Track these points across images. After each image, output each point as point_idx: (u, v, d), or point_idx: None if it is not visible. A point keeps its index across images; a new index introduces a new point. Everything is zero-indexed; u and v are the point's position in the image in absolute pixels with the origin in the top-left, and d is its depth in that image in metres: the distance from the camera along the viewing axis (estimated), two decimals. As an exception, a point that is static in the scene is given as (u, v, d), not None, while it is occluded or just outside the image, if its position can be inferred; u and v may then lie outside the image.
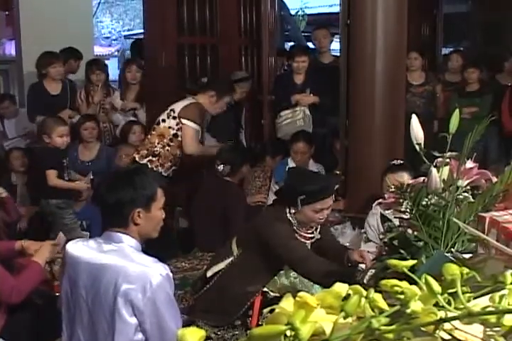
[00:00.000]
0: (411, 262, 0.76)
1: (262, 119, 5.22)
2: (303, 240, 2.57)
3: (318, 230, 2.65)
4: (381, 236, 1.70)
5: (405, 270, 0.76)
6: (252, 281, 2.59)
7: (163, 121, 3.66)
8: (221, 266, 2.71)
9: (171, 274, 1.82)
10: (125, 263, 1.79)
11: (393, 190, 1.50)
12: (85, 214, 4.12)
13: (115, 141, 4.80)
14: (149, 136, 3.71)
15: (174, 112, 3.65)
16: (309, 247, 2.60)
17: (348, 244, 3.70)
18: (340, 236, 4.11)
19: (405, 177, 3.03)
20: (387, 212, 1.66)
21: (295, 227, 2.56)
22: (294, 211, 2.51)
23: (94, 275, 1.82)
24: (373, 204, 3.09)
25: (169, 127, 3.69)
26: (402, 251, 1.46)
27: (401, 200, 1.50)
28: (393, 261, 0.77)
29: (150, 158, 3.77)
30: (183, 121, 3.60)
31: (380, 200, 1.59)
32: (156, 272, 1.77)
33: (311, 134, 4.73)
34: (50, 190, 3.90)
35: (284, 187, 2.58)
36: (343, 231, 4.13)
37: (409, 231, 1.52)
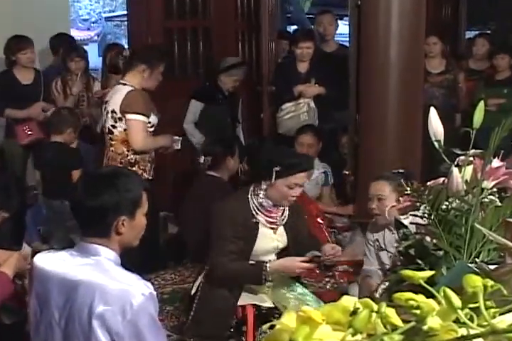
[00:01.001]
0: (428, 273, 0.77)
1: (261, 113, 5.23)
2: (265, 226, 2.75)
3: (285, 219, 2.80)
4: (395, 245, 1.70)
5: (422, 282, 0.76)
6: (229, 288, 2.73)
7: (114, 127, 3.66)
8: (199, 279, 2.83)
9: (154, 293, 1.79)
10: (103, 279, 1.77)
11: (408, 192, 1.50)
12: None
13: (96, 139, 4.79)
14: (112, 148, 3.69)
15: (116, 113, 3.64)
16: (273, 235, 2.77)
17: (355, 251, 3.73)
18: (349, 244, 4.12)
19: (384, 186, 3.09)
20: (402, 217, 1.67)
21: (256, 209, 2.73)
22: (265, 186, 2.70)
23: (67, 293, 1.79)
24: (386, 209, 3.10)
25: (125, 129, 3.71)
26: (419, 262, 1.46)
27: (418, 204, 1.51)
28: (408, 272, 0.77)
29: (129, 168, 3.78)
30: (128, 116, 3.57)
31: (394, 204, 1.59)
32: (138, 291, 1.74)
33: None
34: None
35: (261, 159, 2.79)
36: (352, 238, 4.15)
37: (428, 239, 1.52)
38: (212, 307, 2.74)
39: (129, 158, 3.65)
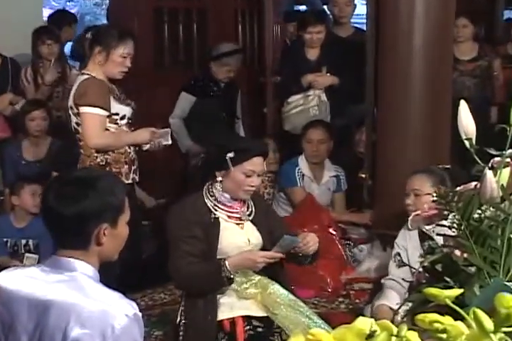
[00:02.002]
0: (455, 291, 0.77)
1: (264, 107, 5.23)
2: (228, 221, 2.85)
3: (252, 214, 2.89)
4: (420, 260, 1.71)
5: (448, 302, 0.76)
6: (204, 302, 2.80)
7: (78, 124, 3.66)
8: (183, 301, 2.92)
9: (139, 314, 1.78)
10: (79, 299, 1.75)
11: (435, 198, 1.51)
12: (32, 231, 4.13)
13: (71, 136, 4.79)
14: (81, 150, 3.68)
15: (73, 108, 3.64)
16: (239, 230, 2.86)
17: (374, 266, 3.73)
18: (366, 258, 4.12)
19: (423, 181, 3.13)
20: (427, 227, 1.67)
21: (213, 206, 2.84)
22: (221, 178, 2.82)
23: (37, 315, 1.77)
24: (409, 218, 3.12)
25: None
26: (447, 279, 1.47)
27: (446, 212, 1.51)
28: (432, 290, 0.77)
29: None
30: (81, 109, 3.57)
31: (419, 212, 1.60)
32: (120, 312, 1.73)
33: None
34: None
35: (212, 148, 2.91)
36: (370, 252, 4.15)
37: (457, 252, 1.53)
38: (196, 329, 2.80)
39: (98, 160, 3.61)
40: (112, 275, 3.10)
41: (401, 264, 2.84)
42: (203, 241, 2.80)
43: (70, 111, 3.66)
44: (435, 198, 1.53)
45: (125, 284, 3.41)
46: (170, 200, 4.50)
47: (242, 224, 2.90)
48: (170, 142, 3.80)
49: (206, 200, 2.86)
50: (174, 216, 2.87)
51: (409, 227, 3.13)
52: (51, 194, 1.86)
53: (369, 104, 4.20)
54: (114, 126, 3.64)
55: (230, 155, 2.76)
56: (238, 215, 2.88)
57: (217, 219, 2.85)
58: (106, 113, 3.57)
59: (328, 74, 4.90)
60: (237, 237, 2.87)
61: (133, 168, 3.71)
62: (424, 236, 1.73)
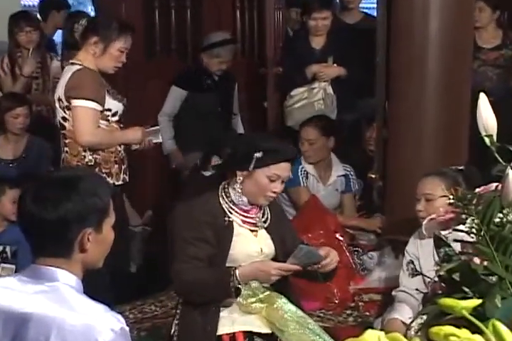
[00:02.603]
0: (473, 302, 0.76)
1: (265, 101, 5.23)
2: (242, 226, 2.83)
3: (267, 221, 2.88)
4: (435, 268, 1.71)
5: (465, 313, 0.76)
6: (203, 311, 2.78)
7: (65, 119, 3.65)
8: (178, 312, 2.90)
9: (127, 328, 1.77)
10: (61, 312, 1.76)
11: (452, 201, 1.51)
12: (9, 237, 4.12)
13: (53, 132, 4.77)
14: (67, 148, 3.68)
15: (62, 101, 3.63)
16: (253, 237, 2.84)
17: (385, 276, 3.72)
18: (377, 266, 4.12)
19: (435, 184, 3.14)
20: (443, 232, 1.67)
21: (228, 208, 2.82)
22: (241, 178, 2.79)
23: (15, 329, 1.77)
24: (423, 222, 3.13)
25: None
26: (465, 290, 1.47)
27: (463, 216, 1.51)
28: (448, 301, 0.77)
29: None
30: (73, 102, 3.56)
31: (434, 216, 1.61)
32: (106, 326, 1.72)
33: (334, 122, 4.76)
34: None
35: (237, 144, 2.87)
36: (381, 260, 4.14)
37: (476, 260, 1.53)
38: None
39: (86, 159, 3.61)
40: (100, 285, 3.11)
41: (414, 273, 2.83)
42: (213, 246, 2.78)
43: (57, 104, 3.65)
44: (452, 200, 1.53)
45: (112, 295, 3.43)
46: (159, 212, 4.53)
47: (256, 231, 2.88)
48: (160, 140, 3.85)
49: (221, 200, 2.84)
50: (183, 214, 2.84)
51: (424, 233, 3.13)
52: (29, 197, 1.85)
53: (380, 97, 4.18)
54: (105, 122, 3.64)
55: (258, 154, 2.73)
56: (254, 221, 2.87)
57: (231, 222, 2.83)
58: (100, 108, 3.58)
59: (335, 64, 4.90)
60: (250, 245, 2.85)
61: (123, 167, 3.72)
62: (439, 243, 1.72)
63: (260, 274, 2.74)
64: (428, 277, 2.69)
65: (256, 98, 5.34)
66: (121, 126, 3.73)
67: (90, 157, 3.63)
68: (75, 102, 3.56)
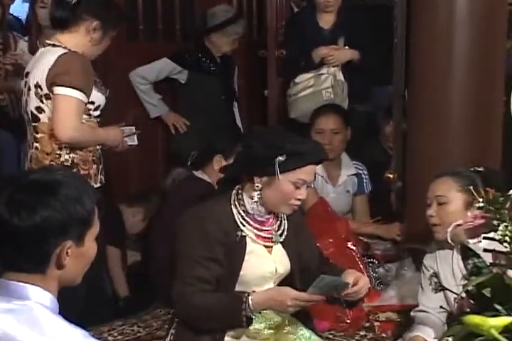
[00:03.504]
0: (503, 321, 0.76)
1: (265, 89, 5.23)
2: (256, 242, 2.82)
3: (283, 234, 2.86)
4: (462, 282, 1.70)
5: (495, 333, 0.75)
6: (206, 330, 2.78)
7: (40, 110, 3.62)
8: (171, 330, 2.91)
9: None
10: (31, 336, 1.75)
11: (481, 204, 1.51)
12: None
13: (20, 124, 4.76)
14: (37, 144, 3.66)
15: (41, 88, 3.60)
16: (267, 254, 2.83)
17: (404, 291, 3.71)
18: (395, 280, 4.12)
19: (449, 185, 3.15)
20: (471, 241, 1.67)
21: (241, 219, 2.80)
22: (260, 186, 2.75)
23: None
24: (448, 229, 3.12)
25: None
26: (497, 307, 1.48)
27: (495, 222, 1.51)
28: (475, 319, 0.76)
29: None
30: (57, 90, 3.54)
31: (460, 222, 1.60)
32: None
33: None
34: None
35: (254, 146, 2.78)
36: (400, 273, 4.14)
37: (511, 273, 1.52)
38: None
39: (62, 159, 3.58)
40: (75, 304, 3.10)
41: (438, 288, 2.83)
42: (222, 265, 2.76)
43: (32, 92, 3.63)
44: (481, 204, 1.52)
45: (87, 314, 3.43)
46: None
47: (271, 247, 2.87)
48: (136, 143, 3.84)
49: (234, 210, 2.81)
50: (191, 228, 2.79)
51: (449, 241, 3.12)
52: (1, 200, 1.84)
53: (398, 84, 4.19)
54: (86, 117, 3.61)
55: (281, 158, 2.69)
56: (270, 235, 2.85)
57: (244, 238, 2.81)
58: (86, 100, 3.56)
59: (346, 46, 4.91)
60: (264, 265, 2.84)
61: (100, 167, 3.72)
62: (467, 253, 1.72)
63: (275, 304, 2.71)
64: (454, 292, 2.69)
65: (254, 85, 5.37)
66: (99, 121, 3.72)
67: (67, 156, 3.60)
68: (60, 90, 3.53)
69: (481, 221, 1.61)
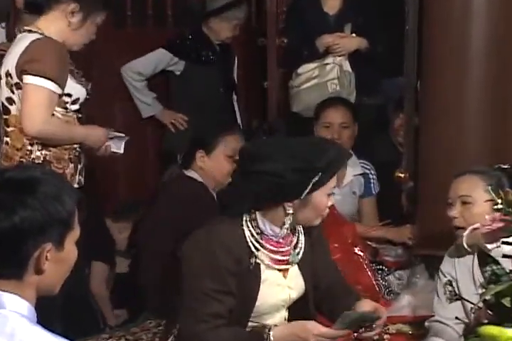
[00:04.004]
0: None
1: (265, 80, 5.25)
2: (270, 268, 2.80)
3: (300, 251, 2.85)
4: (480, 291, 1.70)
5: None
6: None
7: (11, 102, 3.60)
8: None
9: None
10: None
11: (500, 206, 1.51)
12: None
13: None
14: (8, 139, 3.63)
15: (12, 76, 3.58)
16: (282, 280, 2.82)
17: (416, 301, 3.71)
18: (406, 289, 4.12)
19: (474, 183, 3.14)
20: (489, 246, 1.66)
21: (254, 242, 2.76)
22: (291, 209, 2.72)
23: None
24: (464, 233, 3.11)
25: None
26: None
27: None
28: (492, 330, 0.75)
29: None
30: (27, 79, 3.52)
31: (477, 226, 1.60)
32: None
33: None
34: None
35: (286, 174, 2.67)
36: (412, 281, 4.15)
37: (532, 281, 1.52)
38: None
39: (33, 155, 3.58)
40: (52, 313, 3.09)
41: (454, 297, 2.82)
42: (235, 297, 2.75)
43: (4, 81, 3.62)
44: (500, 206, 1.52)
45: (73, 326, 3.42)
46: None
47: (287, 270, 2.86)
48: (121, 151, 3.82)
49: (246, 232, 2.78)
50: (202, 260, 2.75)
51: (465, 246, 3.12)
52: None
53: (410, 75, 4.18)
54: (61, 110, 3.61)
55: (317, 178, 2.68)
56: (286, 257, 2.84)
57: (257, 265, 2.79)
58: (59, 91, 3.54)
59: (353, 34, 4.92)
60: (278, 293, 2.84)
61: (79, 167, 3.70)
62: (485, 259, 1.72)
63: (298, 340, 2.72)
64: (470, 302, 2.68)
65: (253, 76, 5.39)
66: (80, 117, 3.70)
67: (38, 153, 3.59)
68: (30, 79, 3.51)
69: (500, 224, 1.61)
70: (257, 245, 2.77)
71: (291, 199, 2.72)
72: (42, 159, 3.59)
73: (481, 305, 1.79)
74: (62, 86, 3.52)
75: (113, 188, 5.15)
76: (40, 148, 3.59)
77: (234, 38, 5.15)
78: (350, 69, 4.92)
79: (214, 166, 4.04)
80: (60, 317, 3.34)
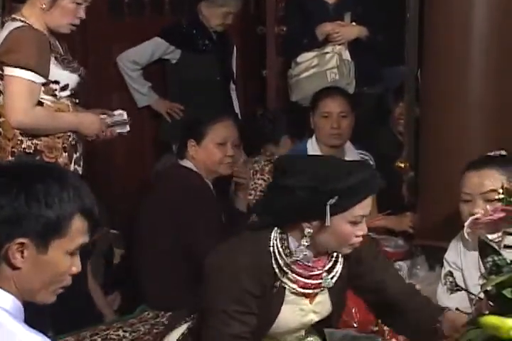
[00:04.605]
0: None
1: (264, 69, 5.26)
2: (296, 293, 2.71)
3: (335, 276, 2.74)
4: (481, 282, 1.69)
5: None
6: None
7: None
8: (179, 331, 2.88)
9: None
10: None
11: (501, 196, 1.50)
12: None
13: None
14: (0, 129, 3.61)
15: None
16: (307, 306, 2.74)
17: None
18: (406, 280, 4.11)
19: (496, 179, 3.06)
20: (490, 236, 1.66)
21: (281, 265, 2.66)
22: (310, 230, 2.60)
23: None
24: (465, 223, 3.09)
25: None
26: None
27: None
28: (492, 320, 0.75)
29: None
30: (7, 70, 3.49)
31: (478, 216, 1.59)
32: None
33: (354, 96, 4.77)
34: None
35: (298, 191, 2.59)
36: (412, 272, 4.14)
37: (534, 272, 1.52)
38: None
39: (24, 145, 3.59)
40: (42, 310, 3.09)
41: (454, 288, 2.80)
42: (256, 317, 2.68)
43: None
44: (501, 196, 1.52)
45: (63, 318, 3.43)
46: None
47: (315, 296, 2.76)
48: (127, 129, 3.82)
49: (273, 254, 2.67)
50: (226, 281, 2.66)
51: (466, 237, 3.10)
52: None
53: (411, 64, 4.18)
54: (51, 98, 3.60)
55: (332, 201, 2.52)
56: (316, 281, 2.72)
57: (282, 289, 2.70)
58: (41, 79, 3.54)
59: (354, 23, 4.92)
60: (301, 317, 2.77)
61: (75, 156, 3.70)
62: (486, 250, 1.71)
63: None
64: (471, 293, 2.68)
65: (252, 65, 5.38)
66: (77, 102, 3.69)
67: (29, 142, 3.59)
68: (9, 71, 3.52)
69: (501, 214, 1.60)
70: (284, 268, 2.68)
71: (308, 220, 2.59)
72: (33, 149, 3.60)
73: (482, 296, 1.78)
74: (43, 74, 3.52)
75: (108, 178, 5.14)
76: (30, 138, 3.59)
77: (232, 26, 5.14)
78: (349, 58, 4.92)
79: (205, 155, 4.05)
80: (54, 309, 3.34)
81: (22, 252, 1.83)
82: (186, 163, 4.06)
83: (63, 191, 1.88)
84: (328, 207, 2.50)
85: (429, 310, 2.79)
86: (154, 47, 5.06)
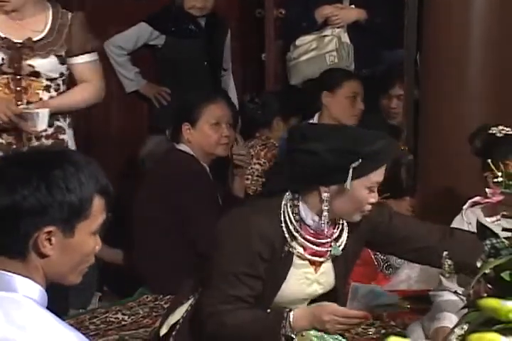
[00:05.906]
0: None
1: (263, 53, 5.22)
2: (302, 258, 2.75)
3: (341, 244, 2.78)
4: (479, 265, 1.70)
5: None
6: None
7: None
8: (180, 313, 2.86)
9: None
10: (12, 332, 1.74)
11: (500, 179, 1.51)
12: None
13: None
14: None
15: None
16: (311, 275, 2.78)
17: (415, 275, 3.72)
18: (405, 263, 4.12)
19: None
20: (489, 220, 1.67)
21: (292, 230, 2.71)
22: (327, 194, 2.63)
23: None
24: (464, 207, 3.10)
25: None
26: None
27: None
28: (491, 303, 0.77)
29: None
30: None
31: (477, 199, 1.61)
32: None
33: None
34: None
35: (322, 152, 2.64)
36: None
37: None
38: None
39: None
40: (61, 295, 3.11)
41: (452, 271, 2.81)
42: (263, 282, 2.71)
43: None
44: (500, 179, 1.53)
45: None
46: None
47: (321, 264, 2.80)
48: (42, 128, 3.63)
49: (284, 220, 2.72)
50: (237, 244, 2.72)
51: (465, 219, 3.10)
52: None
53: (410, 48, 4.18)
54: None
55: (355, 164, 2.59)
56: (325, 249, 2.77)
57: (290, 254, 2.74)
58: None
59: (353, 5, 4.90)
60: (305, 287, 2.80)
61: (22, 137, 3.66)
62: (484, 233, 1.72)
63: (314, 320, 2.69)
64: (470, 276, 2.68)
65: (251, 48, 5.34)
66: (19, 78, 3.63)
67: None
68: None
69: (500, 197, 1.62)
70: (294, 233, 2.72)
71: (326, 183, 2.65)
72: None
73: (480, 279, 1.77)
74: None
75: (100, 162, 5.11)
76: None
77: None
78: (348, 41, 4.90)
79: (201, 137, 4.07)
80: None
81: (50, 240, 1.84)
82: (182, 146, 4.07)
83: (79, 173, 1.89)
84: (351, 170, 2.57)
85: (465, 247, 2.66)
86: (139, 33, 5.04)
